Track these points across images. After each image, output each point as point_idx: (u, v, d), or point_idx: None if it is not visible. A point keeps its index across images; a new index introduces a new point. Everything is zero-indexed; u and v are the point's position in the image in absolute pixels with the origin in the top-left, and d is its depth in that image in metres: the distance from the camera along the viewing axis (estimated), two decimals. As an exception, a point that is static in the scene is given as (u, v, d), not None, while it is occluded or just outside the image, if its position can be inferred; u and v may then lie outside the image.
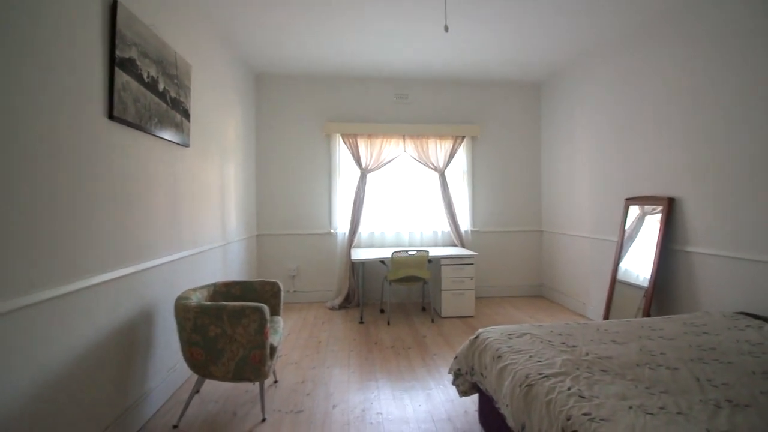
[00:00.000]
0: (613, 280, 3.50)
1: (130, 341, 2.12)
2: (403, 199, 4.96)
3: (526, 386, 1.58)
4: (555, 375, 1.59)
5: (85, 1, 1.76)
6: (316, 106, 4.84)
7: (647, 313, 3.03)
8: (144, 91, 2.16)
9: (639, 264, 3.27)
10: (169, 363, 2.55)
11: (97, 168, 1.84)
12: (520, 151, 5.14)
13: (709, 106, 2.76)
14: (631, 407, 1.35)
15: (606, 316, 3.51)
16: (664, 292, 3.13)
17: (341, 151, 4.86)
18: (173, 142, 2.56)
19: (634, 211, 3.44)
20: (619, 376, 1.59)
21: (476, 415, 2.27)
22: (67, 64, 1.64)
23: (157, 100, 2.30)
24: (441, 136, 4.87)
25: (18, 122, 1.40)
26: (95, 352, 1.83)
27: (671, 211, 3.06)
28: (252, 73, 4.62)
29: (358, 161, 4.76)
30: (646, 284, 3.11)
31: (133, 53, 2.05)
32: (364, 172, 4.75)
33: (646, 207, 3.31)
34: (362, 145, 4.77)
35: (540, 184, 5.17)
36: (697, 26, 2.85)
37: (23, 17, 1.43)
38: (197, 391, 2.33)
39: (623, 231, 3.50)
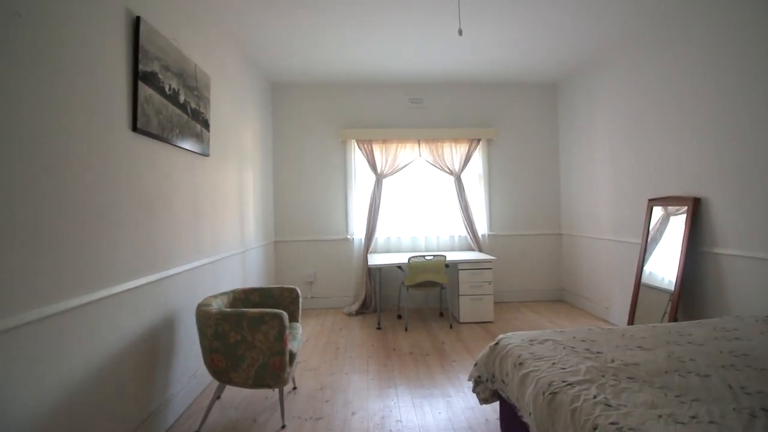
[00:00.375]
0: (638, 284, 3.41)
1: (153, 348, 2.16)
2: (419, 203, 4.95)
3: (550, 394, 1.54)
4: (580, 382, 1.55)
5: (110, 18, 1.82)
6: (331, 113, 4.88)
7: (674, 318, 2.93)
8: (166, 103, 2.22)
9: (664, 267, 3.17)
10: (190, 369, 2.59)
11: (122, 178, 1.89)
12: (538, 152, 5.07)
13: (737, 103, 2.67)
14: (660, 416, 1.30)
15: (630, 321, 3.41)
16: (691, 295, 3.03)
17: (356, 156, 4.89)
18: (194, 152, 2.62)
19: (657, 212, 3.35)
20: (647, 384, 1.53)
21: (497, 423, 2.23)
22: (93, 78, 1.70)
23: (178, 111, 2.36)
24: (456, 139, 4.85)
25: (45, 135, 1.46)
26: (119, 359, 1.87)
27: (697, 211, 2.97)
28: (268, 81, 4.70)
29: (373, 167, 4.77)
30: (671, 288, 3.01)
31: (155, 67, 2.11)
32: (379, 178, 4.76)
33: (670, 208, 3.22)
34: (377, 150, 4.79)
35: (558, 185, 5.08)
36: (723, 20, 2.76)
37: (50, 34, 1.49)
38: (218, 397, 2.36)
39: (647, 233, 3.40)
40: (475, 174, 5.00)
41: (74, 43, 1.60)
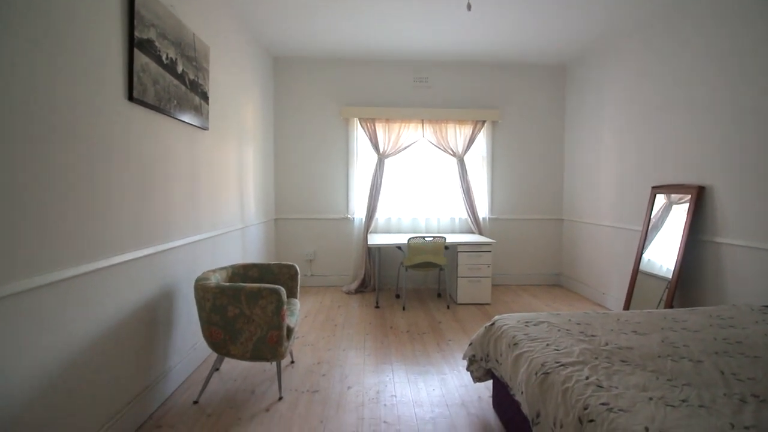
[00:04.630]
0: (636, 271, 3.41)
1: (152, 320, 2.18)
2: (420, 184, 4.92)
3: (543, 374, 1.56)
4: (572, 364, 1.56)
5: (105, -18, 1.76)
6: (334, 90, 4.80)
7: (670, 305, 2.94)
8: (163, 72, 2.17)
9: (663, 254, 3.16)
10: (189, 342, 2.62)
11: (117, 149, 1.87)
12: (543, 136, 5.00)
13: (744, 92, 2.61)
14: (651, 399, 1.31)
15: (626, 307, 3.43)
16: (688, 283, 3.03)
17: (359, 135, 4.82)
18: (192, 125, 2.58)
19: (660, 200, 3.32)
20: (639, 367, 1.55)
21: (490, 401, 2.27)
22: (86, 44, 1.66)
23: (176, 82, 2.31)
24: (460, 120, 4.78)
25: (38, 103, 1.43)
26: (118, 330, 1.89)
27: (700, 200, 2.94)
28: (269, 55, 4.60)
29: (375, 146, 4.72)
30: (669, 275, 3.01)
31: (151, 34, 2.05)
32: (381, 157, 4.71)
33: (673, 196, 3.19)
34: (380, 129, 4.73)
35: (562, 170, 5.03)
36: (731, 7, 2.67)
37: (45, -3, 1.44)
38: (217, 369, 2.40)
39: (648, 220, 3.39)
40: (478, 156, 4.95)
41: (68, 8, 1.55)
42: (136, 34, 1.92)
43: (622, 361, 1.59)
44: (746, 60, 2.61)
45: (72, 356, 1.59)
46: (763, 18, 2.49)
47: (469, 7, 2.44)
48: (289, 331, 2.28)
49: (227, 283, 2.23)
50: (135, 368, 2.02)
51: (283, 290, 2.15)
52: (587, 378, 1.45)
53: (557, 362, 1.58)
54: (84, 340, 1.66)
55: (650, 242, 3.34)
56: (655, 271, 3.21)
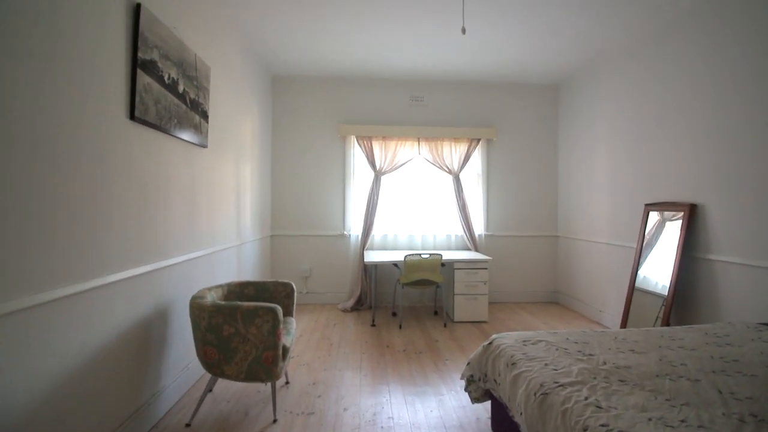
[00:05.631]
0: (632, 288, 3.42)
1: (146, 339, 2.15)
2: (416, 201, 4.95)
3: (542, 395, 1.55)
4: (571, 384, 1.56)
5: (109, 4, 1.80)
6: (332, 108, 4.87)
7: (666, 323, 2.95)
8: (164, 92, 2.20)
9: (658, 271, 3.18)
10: (183, 362, 2.58)
11: (118, 167, 1.88)
12: (537, 154, 5.07)
13: (736, 110, 2.68)
14: (650, 419, 1.30)
15: (623, 325, 3.43)
16: (684, 300, 3.04)
17: (356, 153, 4.87)
18: (191, 143, 2.61)
19: (653, 217, 3.36)
20: (638, 387, 1.54)
21: (489, 422, 2.24)
22: (92, 65, 1.69)
23: (177, 101, 2.34)
24: (456, 138, 4.85)
25: (41, 121, 1.44)
26: (111, 350, 1.86)
27: (693, 217, 2.98)
28: (268, 74, 4.68)
29: (372, 163, 4.76)
30: (665, 293, 3.03)
31: (154, 55, 2.09)
32: (378, 174, 4.75)
33: (666, 213, 3.23)
34: (377, 147, 4.78)
35: (556, 187, 5.09)
36: (721, 29, 2.77)
37: (49, 20, 1.47)
38: (210, 390, 2.35)
39: (642, 237, 3.42)
40: (473, 174, 5.00)
41: (73, 29, 1.58)
42: (140, 55, 1.95)
43: (621, 381, 1.59)
44: (737, 81, 2.69)
45: (63, 378, 1.56)
46: (754, 38, 2.58)
47: (463, 30, 2.52)
48: (285, 350, 2.25)
49: (223, 302, 2.22)
50: (127, 389, 1.98)
51: (279, 309, 2.13)
52: (586, 398, 1.44)
53: (556, 382, 1.58)
54: (76, 361, 1.63)
55: (645, 259, 3.37)
56: (651, 288, 3.22)
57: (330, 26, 3.46)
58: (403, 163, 4.81)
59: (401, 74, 4.70)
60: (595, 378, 1.61)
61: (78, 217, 1.62)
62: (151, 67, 2.06)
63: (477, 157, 4.98)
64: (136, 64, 1.94)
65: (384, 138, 4.78)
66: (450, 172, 4.85)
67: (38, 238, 1.43)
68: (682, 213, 3.03)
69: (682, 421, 1.30)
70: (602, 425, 1.28)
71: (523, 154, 5.06)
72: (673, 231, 3.10)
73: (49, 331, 1.49)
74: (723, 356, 1.84)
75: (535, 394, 1.58)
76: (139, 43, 1.95)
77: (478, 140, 4.90)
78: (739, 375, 1.64)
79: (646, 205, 3.44)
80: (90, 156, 1.69)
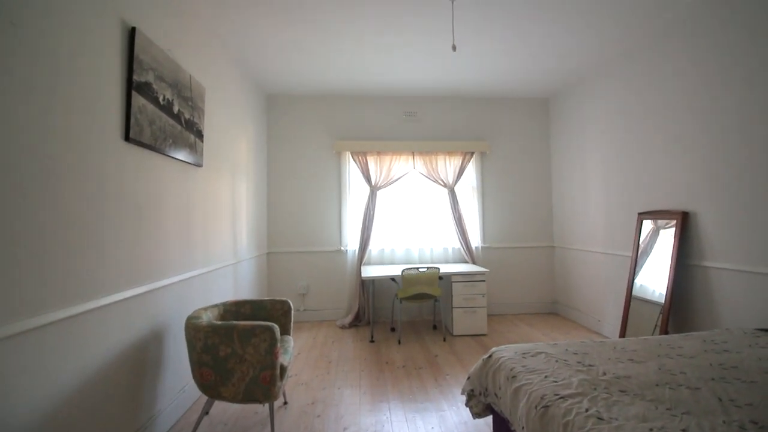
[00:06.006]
0: (629, 297, 3.43)
1: (141, 361, 2.12)
2: (412, 215, 4.96)
3: (542, 407, 1.53)
4: (572, 396, 1.55)
5: (105, 28, 1.84)
6: (326, 125, 4.92)
7: (665, 331, 2.95)
8: (159, 113, 2.22)
9: (654, 279, 3.20)
10: (179, 384, 2.54)
11: (113, 188, 1.88)
12: (531, 165, 5.13)
13: (725, 119, 2.74)
14: (651, 429, 1.30)
15: (622, 334, 3.42)
16: (681, 308, 3.05)
17: (351, 168, 4.90)
18: (187, 162, 2.62)
19: (647, 225, 3.39)
20: (638, 397, 1.53)
21: (491, 437, 2.21)
22: (87, 88, 1.71)
23: (171, 121, 2.36)
24: (450, 152, 4.90)
25: (37, 142, 1.45)
26: (106, 373, 1.83)
27: (685, 225, 3.01)
28: (263, 93, 4.73)
29: (367, 178, 4.79)
30: (662, 300, 3.03)
31: (149, 77, 2.12)
32: (373, 189, 4.77)
33: (659, 221, 3.26)
34: (372, 162, 4.82)
35: (551, 198, 5.13)
36: (708, 39, 2.85)
37: (45, 44, 1.50)
38: (206, 413, 2.31)
39: (637, 246, 3.44)
40: (468, 186, 5.04)
41: (69, 53, 1.61)
42: (135, 77, 1.98)
43: (621, 391, 1.58)
44: (725, 90, 2.75)
45: (58, 402, 1.53)
46: (740, 48, 2.65)
47: (454, 48, 2.58)
48: (283, 369, 2.22)
49: (219, 322, 2.20)
50: (123, 412, 1.94)
51: (276, 327, 2.12)
52: (587, 410, 1.43)
53: (556, 394, 1.57)
54: (71, 384, 1.60)
55: (641, 267, 3.38)
56: (648, 297, 3.23)
57: (322, 47, 3.52)
58: (399, 178, 4.85)
59: (394, 90, 4.77)
60: (595, 389, 1.60)
61: (72, 239, 1.62)
62: (146, 89, 2.08)
63: (471, 170, 5.02)
64: (131, 86, 1.96)
65: (379, 153, 4.82)
66: (445, 185, 4.88)
67: (32, 261, 1.42)
68: (675, 221, 3.06)
69: (683, 430, 1.29)
70: (604, 437, 1.27)
71: (516, 166, 5.11)
72: (667, 239, 3.13)
73: (44, 355, 1.47)
74: (722, 363, 1.84)
75: (536, 407, 1.56)
76: (134, 66, 1.98)
77: (472, 153, 4.95)
78: (738, 382, 1.64)
79: (640, 213, 3.48)
80: (84, 177, 1.69)
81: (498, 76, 4.32)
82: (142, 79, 2.05)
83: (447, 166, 4.90)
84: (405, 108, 4.98)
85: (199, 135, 2.78)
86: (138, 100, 2.01)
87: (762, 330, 2.28)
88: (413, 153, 4.86)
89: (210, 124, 3.03)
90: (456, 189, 4.90)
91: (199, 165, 2.80)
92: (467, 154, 4.92)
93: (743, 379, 1.66)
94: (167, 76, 2.31)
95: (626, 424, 1.33)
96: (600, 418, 1.37)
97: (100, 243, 1.78)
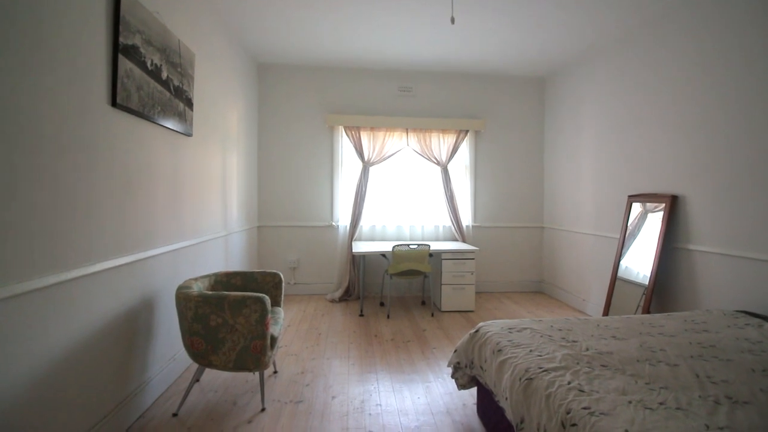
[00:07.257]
0: (614, 278, 3.50)
1: (131, 330, 2.13)
2: (405, 192, 4.96)
3: (526, 380, 1.58)
4: (555, 369, 1.60)
5: (89, -14, 1.74)
6: (320, 98, 4.81)
7: (647, 311, 3.03)
8: (147, 78, 2.14)
9: (640, 261, 3.26)
10: (169, 352, 2.56)
11: (99, 155, 1.83)
12: (523, 146, 5.12)
13: (713, 104, 2.74)
14: (630, 402, 1.35)
15: (605, 313, 3.51)
16: (664, 289, 3.13)
17: (344, 143, 4.84)
18: (176, 131, 2.55)
19: (636, 208, 3.43)
20: (619, 372, 1.59)
21: (475, 408, 2.28)
22: (71, 49, 1.63)
23: (160, 88, 2.28)
24: (444, 130, 4.85)
25: (19, 107, 1.39)
26: (96, 340, 1.83)
27: (673, 208, 3.05)
28: (255, 62, 4.59)
29: (360, 154, 4.74)
30: (646, 282, 3.11)
31: (137, 40, 2.03)
32: (366, 165, 4.74)
33: (648, 204, 3.30)
34: (365, 137, 4.76)
35: (543, 179, 5.15)
36: (700, 23, 2.82)
37: (26, 2, 1.42)
38: (197, 380, 2.34)
39: (625, 228, 3.49)
40: (461, 165, 5.02)
41: (52, 11, 1.53)
42: (121, 40, 1.90)
43: (603, 366, 1.63)
44: (715, 76, 2.74)
45: (46, 369, 1.53)
46: (731, 33, 2.63)
47: (452, 20, 2.51)
48: (273, 340, 2.25)
49: (210, 292, 2.20)
50: (113, 380, 1.96)
51: (267, 299, 2.13)
52: (569, 383, 1.48)
53: (540, 368, 1.61)
54: (60, 352, 1.60)
55: (627, 250, 3.45)
56: (633, 278, 3.31)
57: (316, 14, 3.40)
58: (392, 154, 4.81)
59: (390, 64, 4.66)
60: (578, 363, 1.65)
61: (60, 206, 1.58)
62: (133, 53, 2.00)
63: (465, 148, 5.00)
64: (117, 49, 1.88)
65: (372, 128, 4.76)
66: (438, 163, 4.86)
67: (19, 227, 1.39)
68: (663, 204, 3.10)
69: (661, 403, 1.35)
70: (584, 408, 1.32)
71: (510, 146, 5.09)
72: (654, 222, 3.18)
73: (32, 322, 1.46)
74: (700, 342, 1.90)
75: (520, 379, 1.61)
76: (121, 28, 1.89)
77: (466, 131, 4.91)
78: (715, 360, 1.70)
79: (629, 196, 3.51)
80: (71, 143, 1.64)
81: (495, 52, 4.23)
82: (129, 42, 1.97)
83: (441, 143, 4.86)
84: (400, 83, 4.89)
85: (189, 103, 2.70)
86: (125, 63, 1.93)
87: (741, 312, 2.36)
88: (407, 129, 4.81)
89: (200, 93, 2.94)
90: (449, 167, 4.88)
91: (188, 134, 2.73)
92: (461, 132, 4.88)
93: (720, 357, 1.73)
94: (155, 40, 2.22)
95: (606, 397, 1.38)
96: (581, 390, 1.43)
97: (88, 210, 1.75)
